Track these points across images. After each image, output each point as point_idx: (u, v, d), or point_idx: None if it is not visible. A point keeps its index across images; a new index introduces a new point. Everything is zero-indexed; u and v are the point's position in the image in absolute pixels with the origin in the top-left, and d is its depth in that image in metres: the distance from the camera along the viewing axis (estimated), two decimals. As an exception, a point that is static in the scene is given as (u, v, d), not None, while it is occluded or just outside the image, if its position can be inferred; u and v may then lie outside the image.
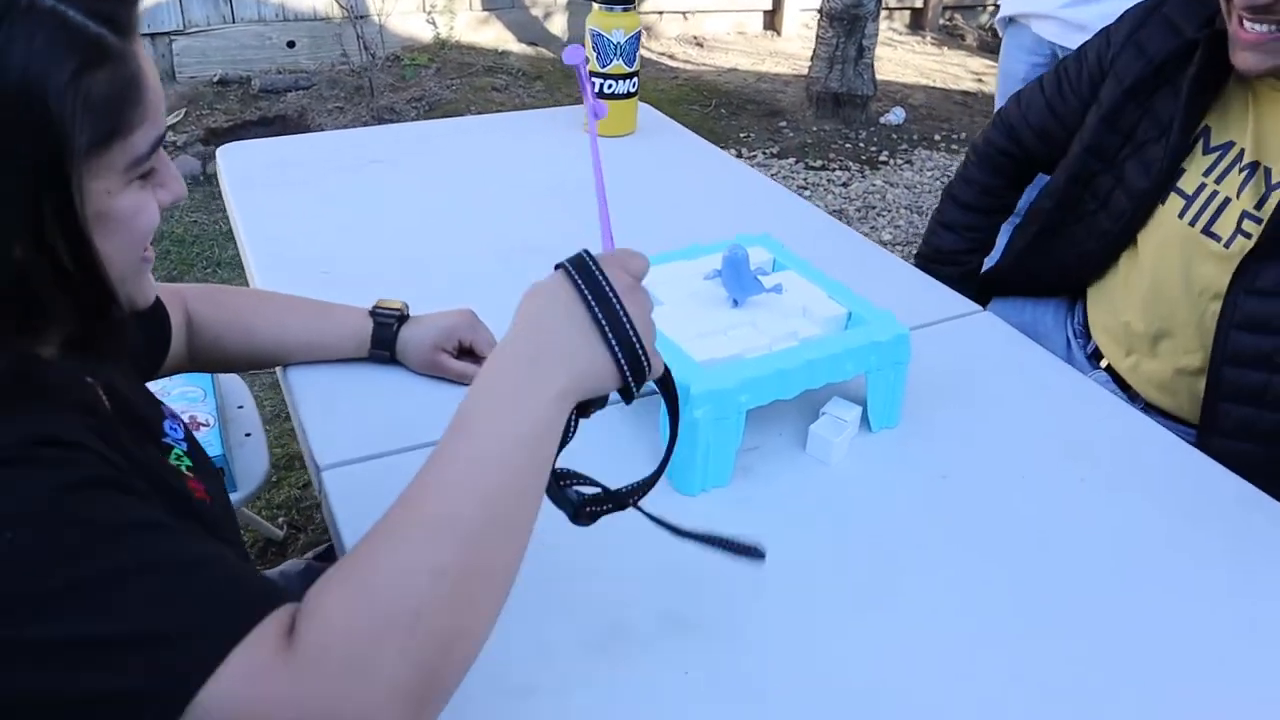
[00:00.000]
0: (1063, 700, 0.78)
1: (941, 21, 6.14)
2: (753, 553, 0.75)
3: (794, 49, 5.68)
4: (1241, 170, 1.23)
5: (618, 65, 1.79)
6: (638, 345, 0.67)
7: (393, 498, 0.91)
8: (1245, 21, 1.13)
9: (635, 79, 1.82)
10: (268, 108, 4.46)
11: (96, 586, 0.54)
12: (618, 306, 0.66)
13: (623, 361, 0.66)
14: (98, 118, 0.61)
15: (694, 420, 0.92)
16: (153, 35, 4.41)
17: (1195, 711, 0.78)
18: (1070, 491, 1.01)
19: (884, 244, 3.52)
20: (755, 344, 1.00)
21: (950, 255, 1.62)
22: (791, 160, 4.23)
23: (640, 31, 1.79)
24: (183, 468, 0.82)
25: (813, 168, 4.18)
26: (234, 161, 1.70)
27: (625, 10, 1.76)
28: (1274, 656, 0.83)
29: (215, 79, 4.54)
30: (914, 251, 3.64)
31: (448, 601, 0.57)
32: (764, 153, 4.30)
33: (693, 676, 0.78)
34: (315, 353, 1.15)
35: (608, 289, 0.66)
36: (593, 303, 0.66)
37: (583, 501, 0.73)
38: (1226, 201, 1.23)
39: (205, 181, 3.76)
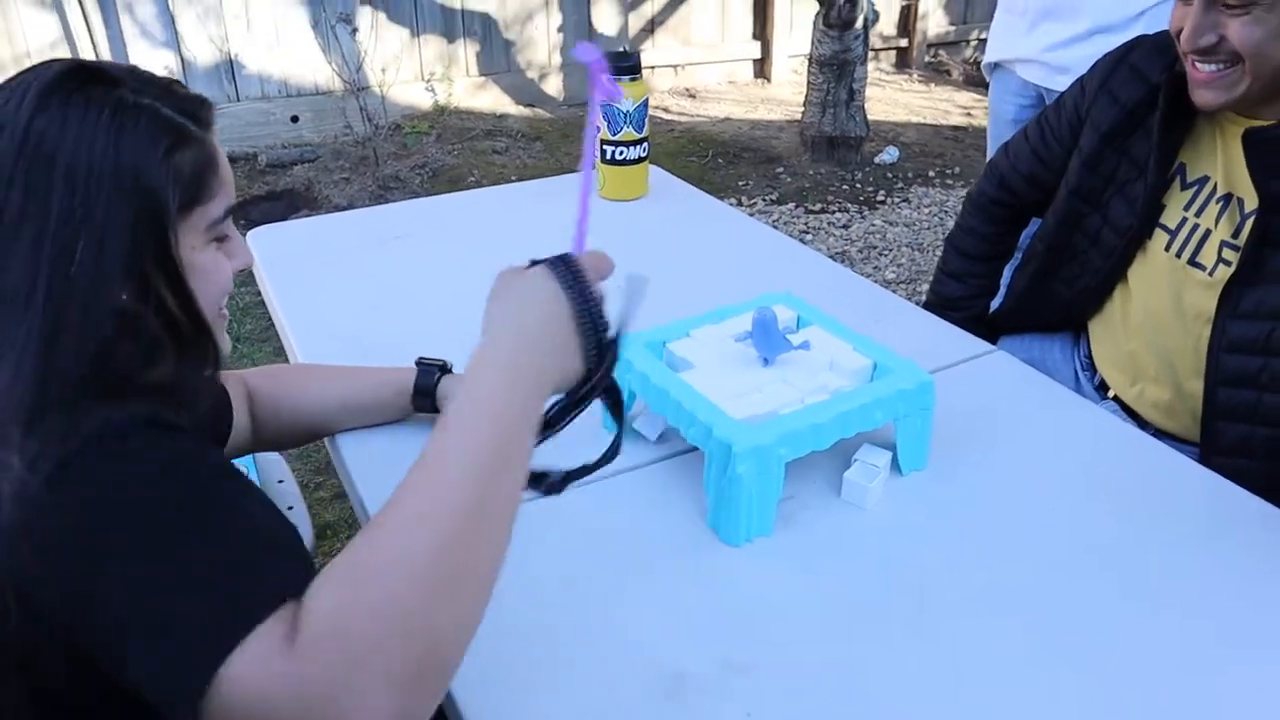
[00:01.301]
0: (1106, 723, 0.83)
1: (927, 59, 6.28)
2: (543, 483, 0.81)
3: (785, 95, 5.80)
4: (1217, 202, 1.31)
5: (628, 133, 1.86)
6: (609, 350, 0.77)
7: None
8: (1196, 63, 1.22)
9: (646, 144, 1.90)
10: (275, 181, 4.56)
11: (165, 552, 0.65)
12: (600, 313, 0.77)
13: (593, 368, 0.77)
14: (185, 187, 0.79)
15: (738, 475, 0.98)
16: (161, 118, 4.52)
17: (1232, 727, 0.83)
18: (1096, 522, 1.06)
19: (888, 283, 3.59)
20: (789, 399, 1.06)
21: (956, 302, 1.69)
22: (791, 205, 4.32)
23: (648, 99, 1.87)
24: None
25: (812, 211, 4.27)
26: (264, 244, 1.77)
27: (633, 80, 1.85)
28: (1302, 670, 0.88)
29: (223, 157, 4.65)
30: (918, 289, 3.71)
31: (431, 597, 0.61)
32: (764, 199, 4.39)
33: (755, 719, 0.83)
34: (364, 410, 1.21)
35: (591, 294, 0.77)
36: (581, 308, 0.76)
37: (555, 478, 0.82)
38: (1207, 233, 1.31)
39: (220, 258, 3.84)
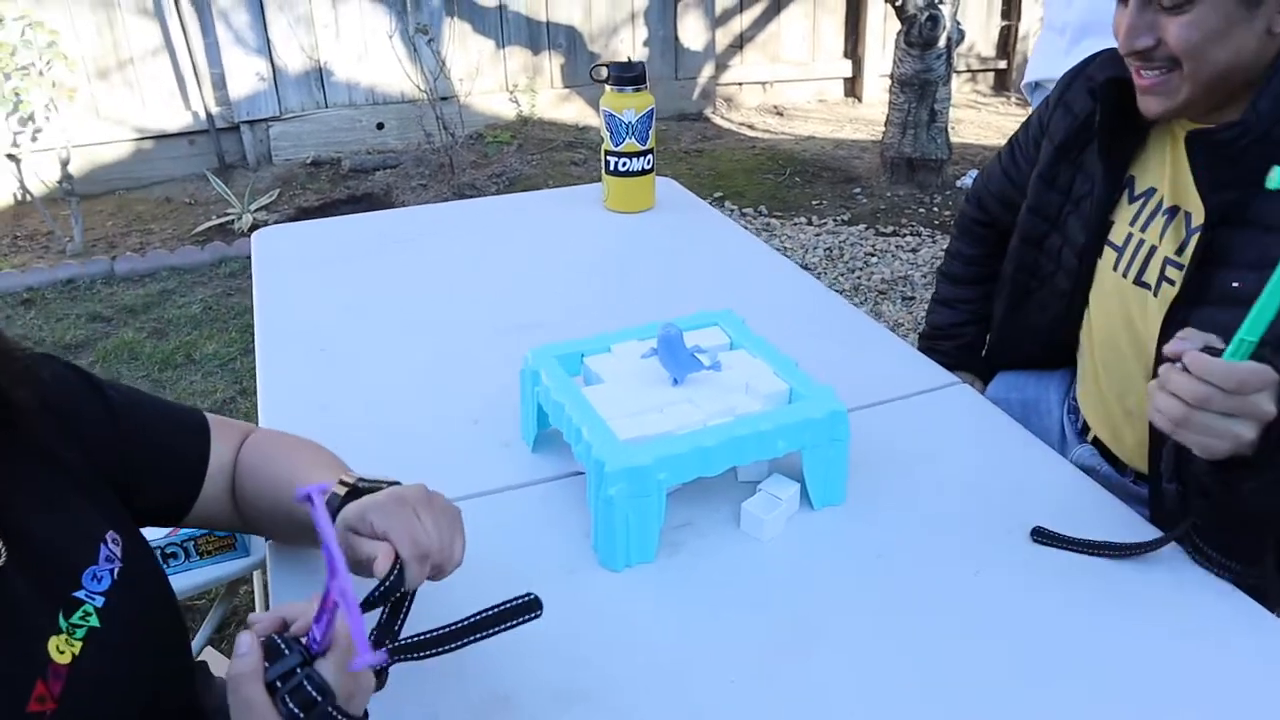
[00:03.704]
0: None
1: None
2: (530, 608, 0.76)
3: (874, 114, 5.68)
4: (1163, 215, 1.20)
5: (630, 144, 1.84)
6: None
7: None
8: (1139, 69, 1.13)
9: (649, 156, 1.87)
10: (356, 186, 4.69)
11: None
12: None
13: None
14: None
15: (609, 498, 0.93)
16: (252, 122, 4.70)
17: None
18: (1006, 581, 0.98)
19: (949, 310, 3.47)
20: (689, 421, 1.01)
21: (947, 330, 1.61)
22: (861, 227, 4.21)
23: (652, 110, 1.84)
24: (75, 638, 0.76)
25: (883, 234, 4.15)
26: (266, 245, 1.80)
27: (636, 91, 1.82)
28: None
29: (309, 160, 4.81)
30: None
31: None
32: (834, 220, 4.29)
33: (574, 755, 0.79)
34: (289, 518, 0.90)
35: None
36: None
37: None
38: (1152, 250, 1.20)
39: (290, 258, 3.96)
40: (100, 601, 0.78)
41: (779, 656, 0.88)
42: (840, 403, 1.03)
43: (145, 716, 0.82)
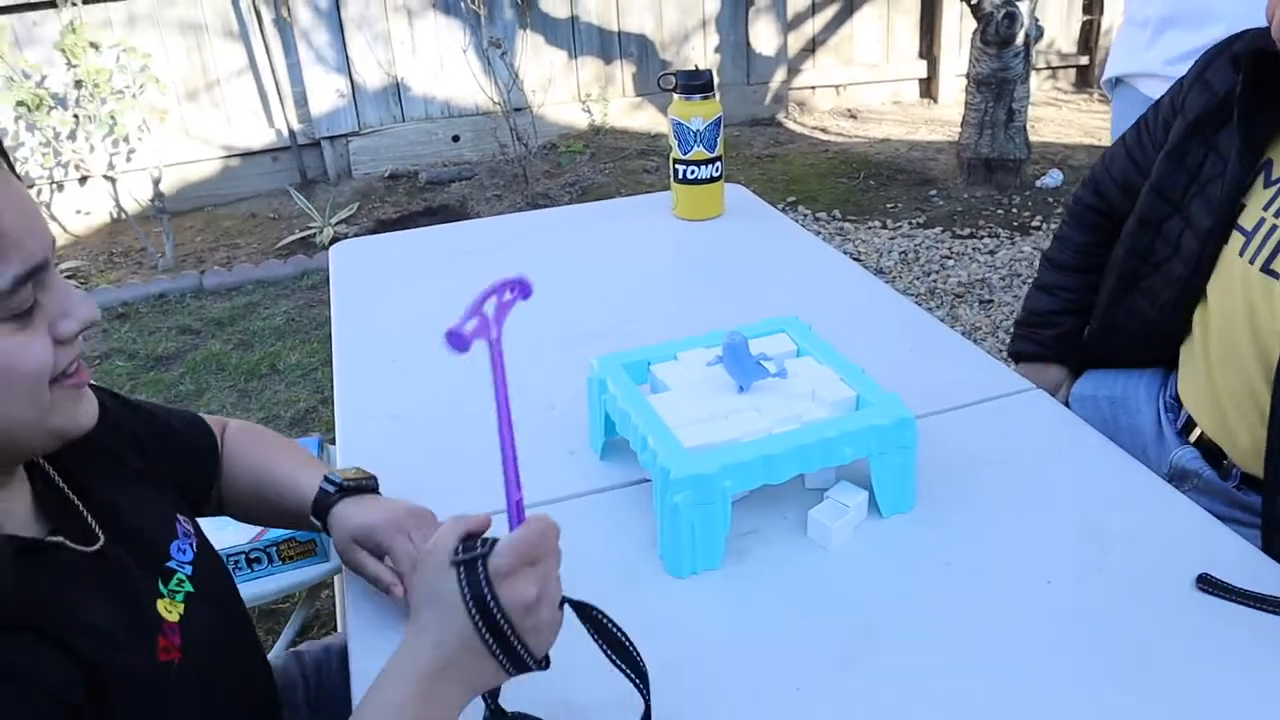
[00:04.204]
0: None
1: (1111, 78, 5.90)
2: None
3: (950, 115, 5.59)
4: None
5: (699, 152, 1.84)
6: (529, 660, 0.71)
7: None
8: None
9: (718, 164, 1.87)
10: (433, 198, 4.77)
11: None
12: (514, 640, 0.69)
13: (513, 672, 0.71)
14: None
15: (674, 505, 0.94)
16: (332, 138, 4.82)
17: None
18: (1081, 582, 0.95)
19: (1028, 312, 3.39)
20: (754, 428, 1.01)
21: (1045, 317, 1.58)
22: (938, 230, 4.15)
23: (720, 117, 1.84)
24: (177, 600, 0.82)
25: (960, 236, 4.08)
26: (344, 258, 1.85)
27: (704, 99, 1.82)
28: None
29: (386, 174, 4.91)
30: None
31: None
32: (909, 223, 4.24)
33: (640, 762, 0.79)
34: (275, 509, 1.05)
35: (504, 626, 0.69)
36: (492, 644, 0.69)
37: None
38: None
39: (369, 269, 4.05)
40: (189, 570, 0.86)
41: (845, 665, 0.88)
42: (907, 409, 1.02)
43: (233, 695, 0.89)
